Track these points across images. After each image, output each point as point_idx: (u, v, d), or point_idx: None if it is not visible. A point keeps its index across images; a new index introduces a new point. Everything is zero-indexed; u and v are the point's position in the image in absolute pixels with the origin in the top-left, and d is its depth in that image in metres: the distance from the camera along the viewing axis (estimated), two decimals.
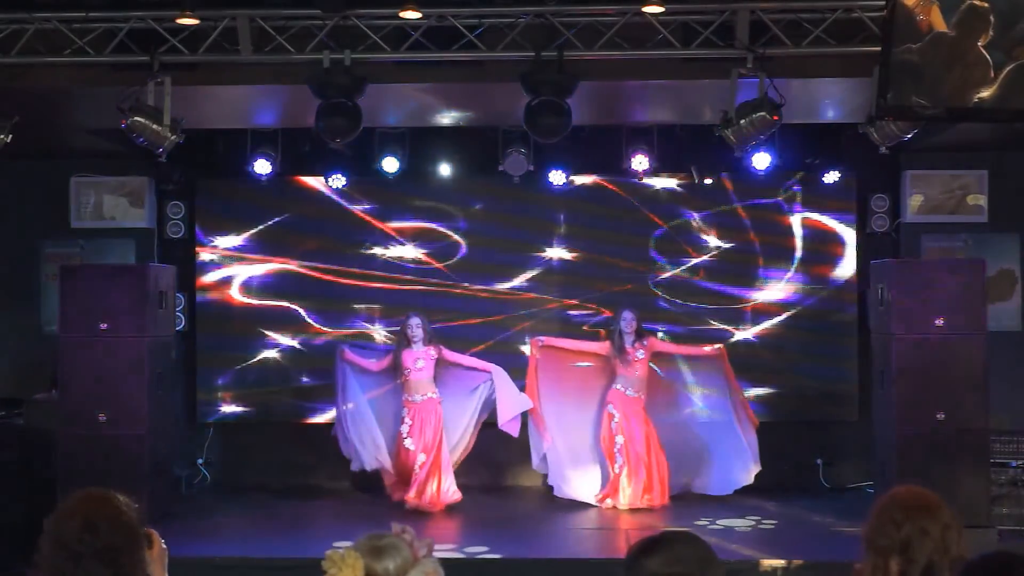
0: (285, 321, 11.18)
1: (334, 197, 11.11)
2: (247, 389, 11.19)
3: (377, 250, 11.22)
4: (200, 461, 11.07)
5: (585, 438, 10.26)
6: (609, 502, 9.87)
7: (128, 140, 8.31)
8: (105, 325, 9.26)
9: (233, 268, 11.22)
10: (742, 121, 8.02)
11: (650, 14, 7.83)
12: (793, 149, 10.35)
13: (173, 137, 8.22)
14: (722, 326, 11.05)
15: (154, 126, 8.05)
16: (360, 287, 11.20)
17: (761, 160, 10.10)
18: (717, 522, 9.27)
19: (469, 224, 11.23)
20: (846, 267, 11.07)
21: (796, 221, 11.12)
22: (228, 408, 11.21)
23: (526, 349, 10.64)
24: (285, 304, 11.20)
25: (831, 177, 10.76)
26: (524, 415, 10.06)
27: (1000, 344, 9.89)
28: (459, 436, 10.01)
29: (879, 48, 7.07)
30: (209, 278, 11.22)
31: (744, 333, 11.06)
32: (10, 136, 8.36)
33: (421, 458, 9.72)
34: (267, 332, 11.19)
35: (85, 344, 9.27)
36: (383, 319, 11.05)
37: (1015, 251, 10.90)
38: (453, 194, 11.18)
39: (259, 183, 10.81)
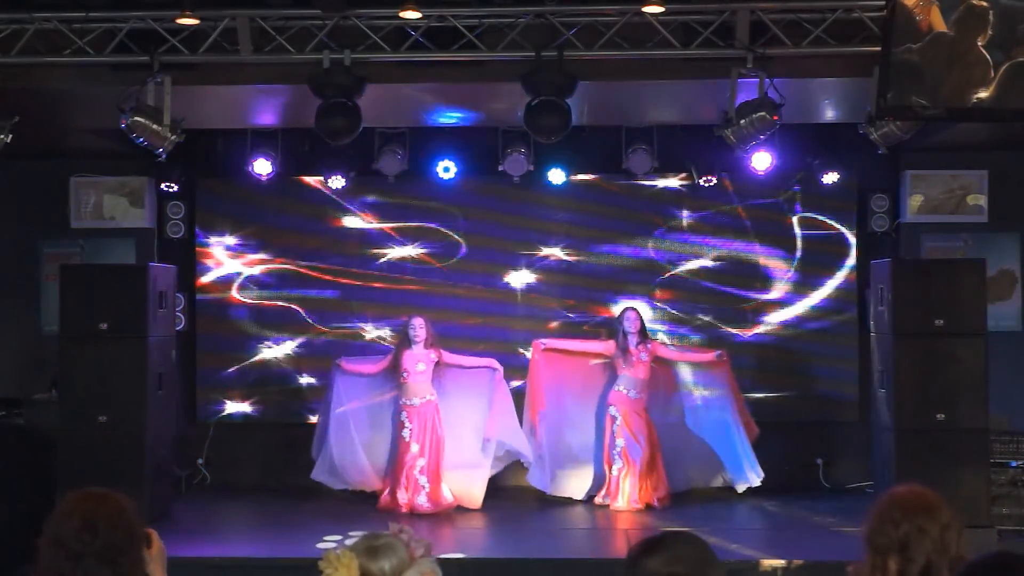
0: (285, 321, 11.18)
1: (334, 197, 11.11)
2: (247, 389, 11.20)
3: (377, 250, 11.22)
4: (200, 461, 11.07)
5: (584, 438, 10.26)
6: (607, 501, 9.85)
7: (128, 140, 8.31)
8: (105, 325, 9.26)
9: (233, 268, 11.22)
10: (742, 121, 8.02)
11: (650, 14, 7.83)
12: (793, 149, 10.34)
13: (173, 137, 8.22)
14: (722, 326, 11.05)
15: (154, 126, 8.05)
16: (360, 287, 11.20)
17: (761, 160, 10.09)
18: (717, 522, 9.27)
19: (469, 224, 11.22)
20: (846, 267, 11.07)
21: (796, 221, 11.12)
22: (228, 408, 11.21)
23: (527, 351, 10.66)
24: (285, 304, 11.20)
25: (831, 177, 10.76)
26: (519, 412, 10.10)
27: (1000, 344, 9.88)
28: (467, 452, 9.99)
29: (879, 48, 7.08)
30: (209, 278, 11.22)
31: (744, 333, 11.06)
32: (10, 136, 8.37)
33: (421, 462, 9.71)
34: (267, 332, 11.19)
35: (85, 344, 9.27)
36: (383, 319, 11.04)
37: (1015, 251, 10.90)
38: (453, 194, 11.18)
39: (259, 183, 10.81)
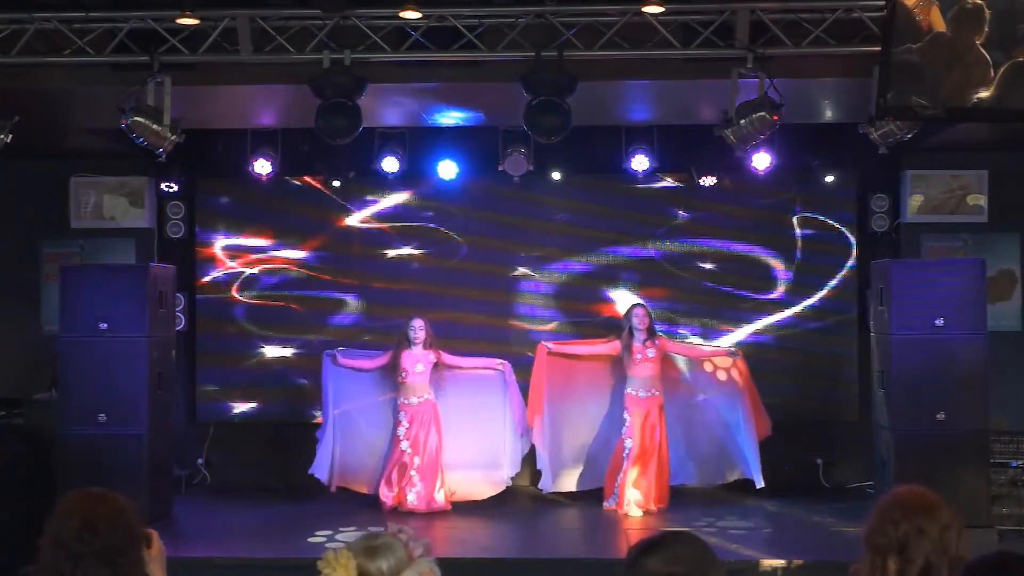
0: (285, 321, 11.18)
1: (334, 197, 11.11)
2: (247, 389, 11.20)
3: (377, 250, 11.22)
4: (200, 461, 11.08)
5: (586, 438, 10.25)
6: (613, 503, 9.78)
7: (128, 140, 8.31)
8: (105, 325, 9.26)
9: (233, 268, 11.23)
10: (742, 121, 8.02)
11: (650, 14, 7.83)
12: (793, 149, 10.34)
13: (173, 137, 8.22)
14: (722, 326, 11.05)
15: (154, 126, 8.05)
16: (360, 287, 11.20)
17: (761, 160, 10.09)
18: (717, 522, 9.27)
19: (469, 224, 11.22)
20: (846, 267, 11.07)
21: (796, 221, 11.12)
22: (228, 408, 11.22)
23: (527, 351, 10.65)
24: (285, 304, 11.20)
25: (831, 177, 10.76)
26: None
27: (1000, 344, 9.88)
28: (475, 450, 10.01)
29: (879, 48, 7.08)
30: (209, 278, 11.22)
31: (744, 333, 11.06)
32: (10, 136, 8.37)
33: (416, 461, 9.71)
34: (266, 332, 11.20)
35: (85, 344, 9.26)
36: (383, 319, 11.04)
37: (1015, 251, 10.90)
38: (453, 194, 11.18)
39: (259, 183, 10.81)
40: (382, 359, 9.98)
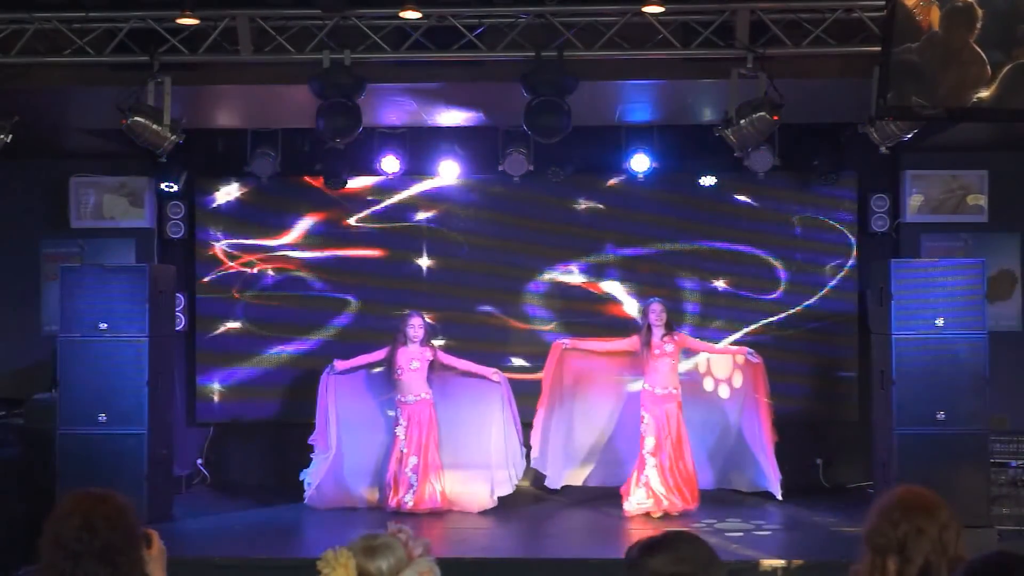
0: (285, 321, 11.18)
1: (334, 197, 11.10)
2: (246, 389, 11.19)
3: (377, 250, 11.22)
4: (200, 461, 11.07)
5: (598, 436, 10.19)
6: (635, 502, 9.59)
7: (128, 140, 8.31)
8: (105, 325, 9.27)
9: (233, 268, 11.23)
10: (742, 121, 8.02)
11: (650, 14, 7.83)
12: (793, 149, 10.34)
13: (173, 137, 8.22)
14: (722, 326, 11.04)
15: (154, 126, 8.05)
16: (360, 287, 11.20)
17: (761, 160, 10.09)
18: (717, 522, 9.27)
19: (469, 224, 11.22)
20: (846, 267, 11.07)
21: (796, 221, 11.12)
22: (227, 408, 11.21)
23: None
24: (285, 304, 11.20)
25: (831, 177, 10.76)
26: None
27: (1000, 344, 9.87)
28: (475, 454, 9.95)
29: (879, 48, 7.08)
30: (209, 278, 11.22)
31: (744, 333, 11.05)
32: (10, 136, 8.36)
33: (412, 460, 9.69)
34: (266, 332, 11.19)
35: (85, 344, 9.27)
36: (382, 319, 11.03)
37: (1015, 251, 10.90)
38: (453, 194, 11.18)
39: (259, 183, 10.82)
40: (379, 353, 9.95)
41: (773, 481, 9.90)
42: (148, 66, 8.05)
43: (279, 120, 10.18)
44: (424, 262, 11.21)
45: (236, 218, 11.24)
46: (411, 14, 7.71)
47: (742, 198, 11.10)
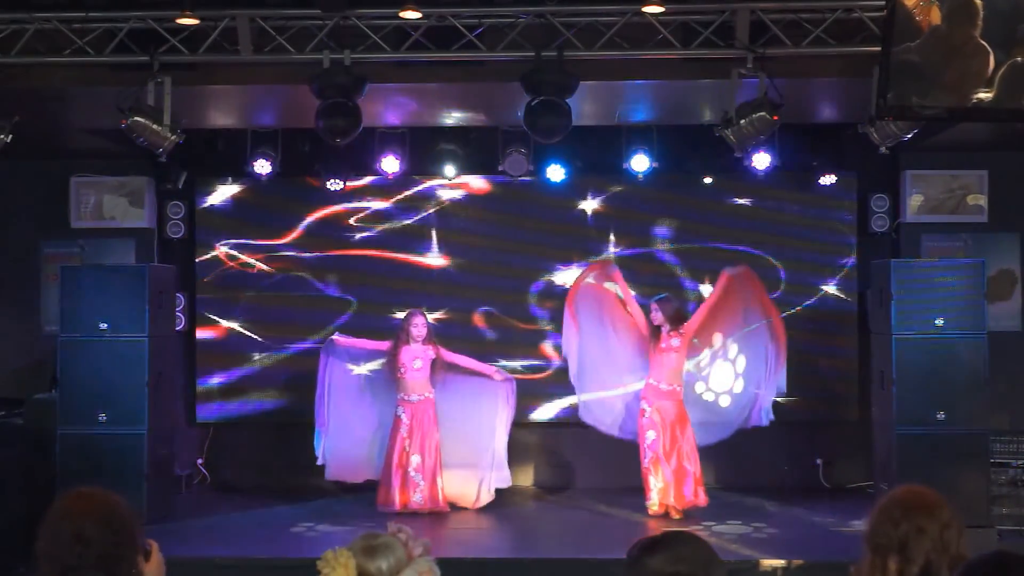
0: (285, 321, 11.18)
1: (334, 197, 11.10)
2: (247, 389, 11.20)
3: (377, 250, 11.22)
4: (200, 461, 11.08)
5: (620, 368, 9.99)
6: (655, 499, 9.47)
7: (128, 140, 8.31)
8: (105, 325, 9.27)
9: (233, 268, 11.23)
10: (742, 121, 8.02)
11: (650, 14, 7.83)
12: (793, 149, 10.34)
13: (173, 137, 8.22)
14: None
15: (154, 126, 8.05)
16: (360, 287, 11.20)
17: (761, 160, 10.10)
18: (717, 522, 9.27)
19: (469, 224, 11.22)
20: (846, 267, 11.07)
21: (796, 221, 11.12)
22: (228, 408, 11.21)
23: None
24: (285, 304, 11.20)
25: (831, 177, 10.76)
26: None
27: (1000, 344, 9.88)
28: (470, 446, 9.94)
29: (879, 48, 7.07)
30: (209, 278, 11.22)
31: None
32: (10, 136, 8.36)
33: (416, 460, 9.70)
34: (266, 332, 11.19)
35: (85, 344, 9.27)
36: (382, 319, 11.03)
37: (1015, 251, 10.90)
38: (454, 194, 11.18)
39: (259, 183, 10.82)
40: (382, 345, 9.95)
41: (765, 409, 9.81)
42: (148, 66, 8.05)
43: (279, 120, 10.19)
44: (424, 262, 11.21)
45: (236, 218, 11.24)
46: (411, 14, 7.72)
47: (742, 198, 11.10)
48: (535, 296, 11.18)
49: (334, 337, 10.13)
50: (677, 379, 9.67)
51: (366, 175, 10.91)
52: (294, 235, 11.23)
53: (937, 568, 2.96)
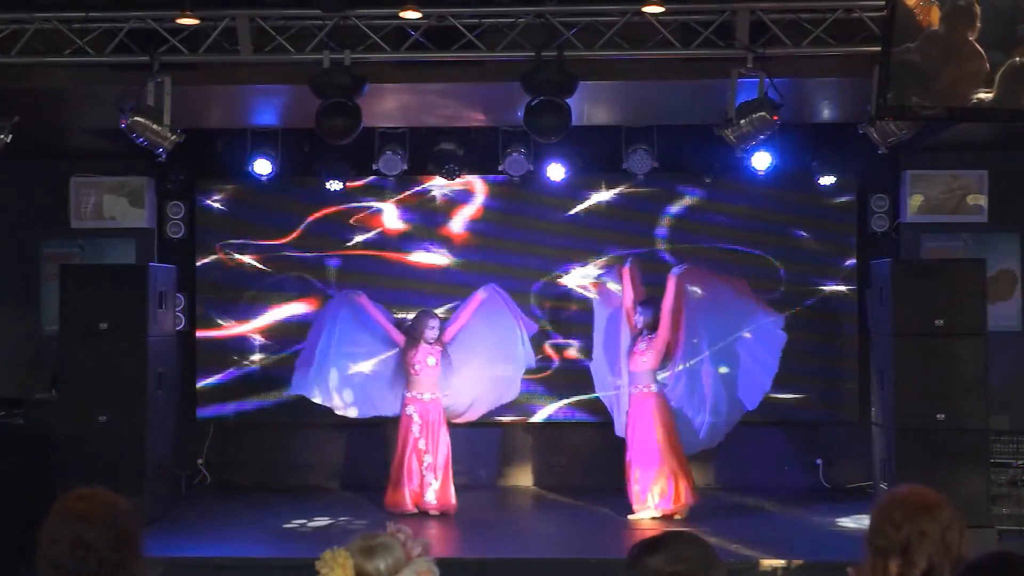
0: (285, 320, 11.17)
1: (334, 197, 11.10)
2: (247, 389, 11.19)
3: (376, 251, 11.22)
4: (200, 461, 11.07)
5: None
6: (650, 506, 9.46)
7: (128, 140, 8.30)
8: (105, 325, 9.27)
9: (233, 268, 11.22)
10: (742, 121, 8.01)
11: (650, 14, 7.83)
12: (793, 149, 10.34)
13: (173, 137, 8.21)
14: None
15: (154, 126, 8.04)
16: (360, 287, 11.17)
17: (761, 160, 10.09)
18: (717, 522, 9.26)
19: (469, 224, 11.22)
20: (846, 267, 11.07)
21: (796, 221, 11.11)
22: (228, 408, 11.21)
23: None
24: (285, 304, 11.20)
25: (831, 177, 10.76)
26: None
27: (1000, 344, 9.88)
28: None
29: (879, 48, 7.08)
30: (209, 278, 11.22)
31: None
32: (10, 136, 8.36)
33: (428, 459, 9.70)
34: (266, 332, 11.19)
35: (85, 344, 9.27)
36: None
37: (1015, 251, 10.90)
38: (454, 194, 11.18)
39: (259, 183, 10.81)
40: (395, 331, 9.95)
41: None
42: (148, 66, 8.04)
43: (279, 120, 10.18)
44: (424, 262, 11.21)
45: (236, 218, 11.24)
46: (411, 14, 7.71)
47: (742, 198, 11.09)
48: (535, 296, 11.18)
49: (359, 297, 10.08)
50: (652, 380, 9.65)
51: (366, 175, 10.91)
52: (294, 235, 11.23)
53: (940, 570, 2.95)
